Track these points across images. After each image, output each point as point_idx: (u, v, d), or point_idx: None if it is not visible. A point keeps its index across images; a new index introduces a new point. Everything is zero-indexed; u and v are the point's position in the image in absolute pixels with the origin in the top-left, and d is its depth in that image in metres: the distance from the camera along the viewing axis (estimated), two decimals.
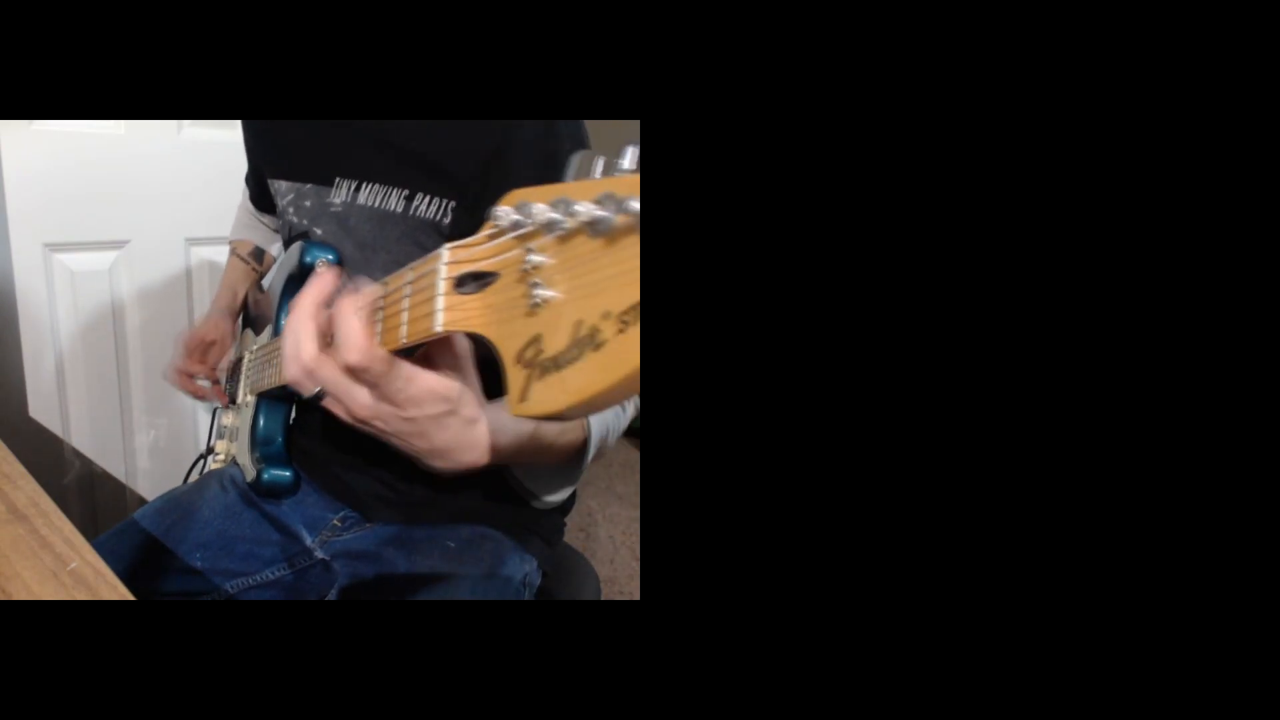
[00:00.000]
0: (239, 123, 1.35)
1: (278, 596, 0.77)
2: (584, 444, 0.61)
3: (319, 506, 0.79)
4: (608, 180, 0.28)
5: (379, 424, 0.44)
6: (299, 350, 0.43)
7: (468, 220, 0.66)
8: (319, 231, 0.75)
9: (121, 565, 0.72)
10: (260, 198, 0.93)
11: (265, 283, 0.98)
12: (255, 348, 0.83)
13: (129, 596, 0.45)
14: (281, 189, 0.79)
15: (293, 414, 0.79)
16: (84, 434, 1.29)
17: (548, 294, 0.30)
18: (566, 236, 0.29)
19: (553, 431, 0.57)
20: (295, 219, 0.78)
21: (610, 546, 1.88)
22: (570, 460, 0.62)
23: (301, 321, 0.44)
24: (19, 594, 0.44)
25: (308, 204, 0.76)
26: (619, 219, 0.26)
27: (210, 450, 0.96)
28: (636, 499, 2.08)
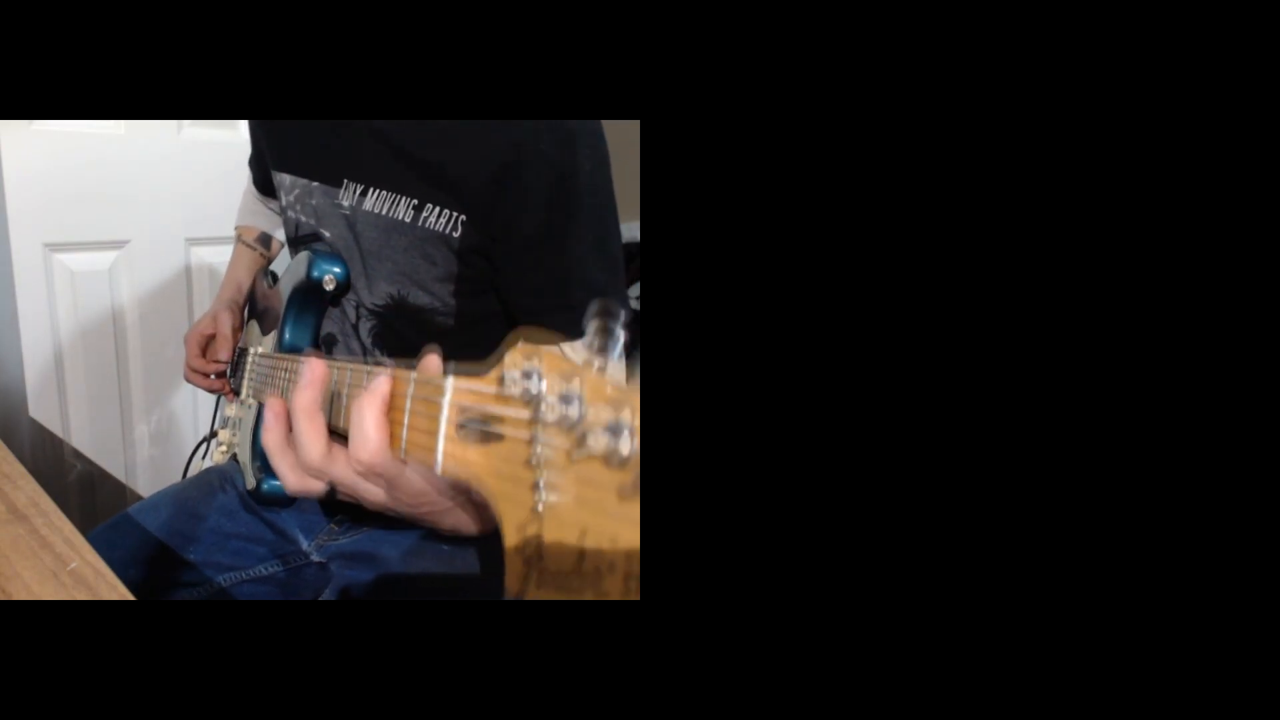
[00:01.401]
0: (239, 122, 1.36)
1: (271, 591, 0.78)
2: None
3: (316, 512, 0.79)
4: (623, 390, 0.26)
5: (391, 512, 0.44)
6: (308, 456, 0.42)
7: (478, 235, 0.65)
8: (327, 234, 0.74)
9: (114, 557, 0.72)
10: (264, 182, 0.91)
11: (276, 269, 0.97)
12: (260, 350, 0.82)
13: (129, 596, 0.45)
14: (285, 183, 0.78)
15: None
16: (84, 434, 1.29)
17: (555, 499, 0.28)
18: (581, 442, 0.27)
19: None
20: (302, 216, 0.77)
21: None
22: None
23: (303, 426, 0.42)
24: (19, 594, 0.44)
25: (314, 202, 0.75)
26: (629, 477, 0.25)
27: (213, 435, 0.95)
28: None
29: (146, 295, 1.32)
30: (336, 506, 0.79)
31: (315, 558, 0.78)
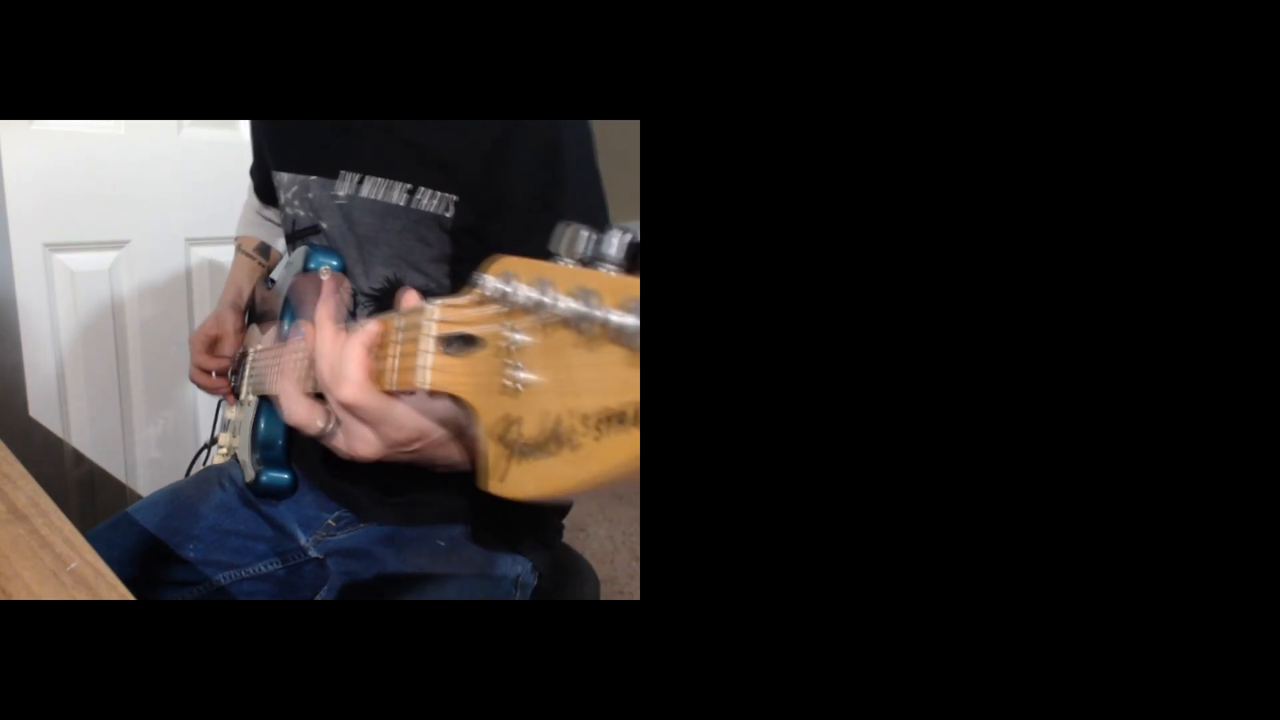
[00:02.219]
0: (239, 123, 1.36)
1: (270, 589, 0.78)
2: None
3: (314, 506, 0.80)
4: (592, 275, 0.28)
5: (389, 459, 0.46)
6: (322, 370, 0.44)
7: (471, 215, 0.67)
8: (324, 225, 0.75)
9: (113, 556, 0.72)
10: (265, 190, 0.94)
11: (274, 275, 0.98)
12: (260, 347, 0.83)
13: (129, 596, 0.45)
14: (284, 181, 0.80)
15: None
16: (84, 434, 1.29)
17: (528, 377, 0.30)
18: (547, 323, 0.29)
19: None
20: (300, 211, 0.78)
21: (610, 546, 1.88)
22: None
23: (324, 335, 0.44)
24: (19, 594, 0.44)
25: (311, 195, 0.76)
26: (597, 328, 0.26)
27: (214, 441, 0.96)
28: (636, 499, 2.08)
29: (146, 295, 1.32)
30: (336, 500, 0.79)
31: (313, 553, 0.78)
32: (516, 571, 0.75)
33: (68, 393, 1.26)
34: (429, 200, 0.68)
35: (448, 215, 0.67)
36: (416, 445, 0.45)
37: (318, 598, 0.73)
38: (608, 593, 1.68)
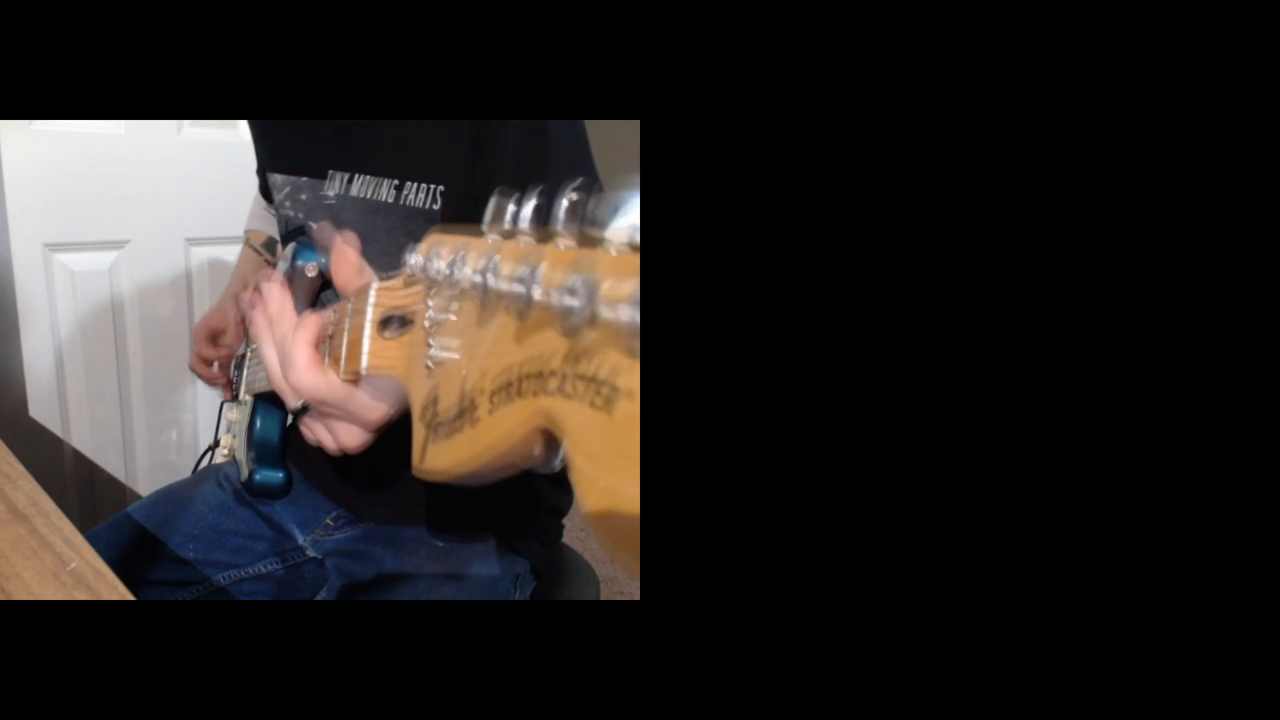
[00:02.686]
0: (239, 123, 1.36)
1: (270, 589, 0.78)
2: None
3: (312, 506, 0.80)
4: (504, 244, 0.26)
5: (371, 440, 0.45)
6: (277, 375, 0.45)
7: (461, 204, 0.67)
8: (313, 225, 0.75)
9: (113, 555, 0.72)
10: (266, 190, 0.94)
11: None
12: (255, 346, 0.83)
13: (129, 596, 0.45)
14: (278, 182, 0.80)
15: (290, 416, 0.79)
16: (84, 434, 1.29)
17: (441, 355, 0.29)
18: (462, 297, 0.28)
19: None
20: (291, 213, 0.78)
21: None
22: None
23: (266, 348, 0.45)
24: (19, 594, 0.44)
25: (303, 197, 0.76)
26: (491, 297, 0.25)
27: (216, 444, 0.96)
28: None
29: (146, 295, 1.32)
30: (334, 499, 0.79)
31: (311, 553, 0.78)
32: (516, 571, 0.75)
33: (68, 393, 1.26)
34: (416, 194, 0.67)
35: (435, 207, 0.67)
36: (394, 415, 0.44)
37: (317, 598, 0.73)
38: (608, 593, 1.68)
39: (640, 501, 0.20)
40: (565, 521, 0.85)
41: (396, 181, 0.68)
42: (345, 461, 0.76)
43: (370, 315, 0.36)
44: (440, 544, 0.73)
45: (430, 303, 0.30)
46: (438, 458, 0.29)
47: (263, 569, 0.78)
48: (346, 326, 0.40)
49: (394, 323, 0.35)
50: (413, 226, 0.68)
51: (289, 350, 0.42)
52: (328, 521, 0.79)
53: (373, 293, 0.37)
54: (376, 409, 0.43)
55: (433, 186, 0.67)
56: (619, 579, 1.75)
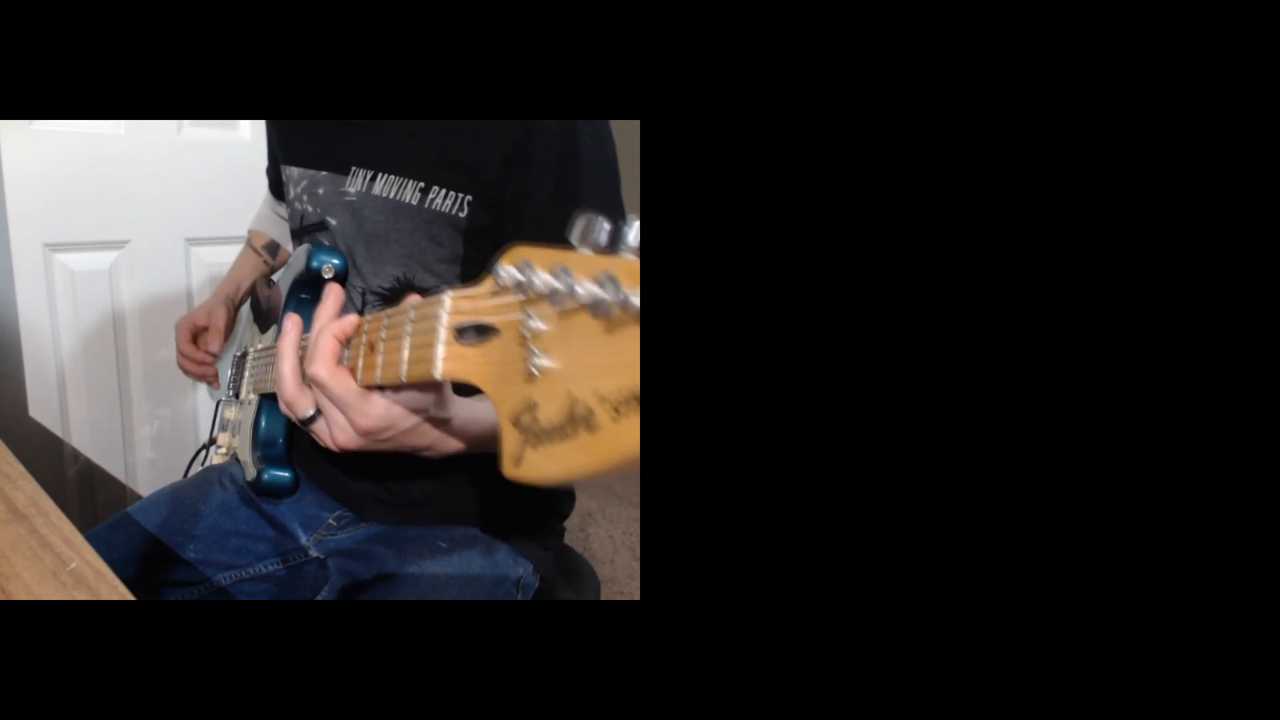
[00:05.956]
0: (239, 123, 1.36)
1: (270, 590, 0.78)
2: None
3: (315, 506, 0.80)
4: (610, 260, 0.28)
5: (368, 447, 0.49)
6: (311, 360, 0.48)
7: (485, 215, 0.67)
8: (332, 222, 0.75)
9: (114, 556, 0.72)
10: (278, 185, 0.93)
11: (276, 278, 0.98)
12: (260, 345, 0.83)
13: (129, 596, 0.45)
14: (294, 175, 0.79)
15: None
16: (84, 434, 1.29)
17: (546, 364, 0.30)
18: (567, 310, 0.29)
19: None
20: (308, 207, 0.78)
21: (610, 546, 1.88)
22: None
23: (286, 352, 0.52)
24: (19, 594, 0.44)
25: (321, 191, 0.75)
26: (616, 310, 0.26)
27: (212, 442, 0.96)
28: (636, 499, 2.08)
29: (146, 295, 1.32)
30: (337, 499, 0.79)
31: (314, 553, 0.78)
32: (518, 573, 0.75)
33: (68, 393, 1.26)
34: (443, 200, 0.67)
35: (462, 215, 0.67)
36: (388, 434, 0.48)
37: (318, 598, 0.73)
38: (608, 593, 1.68)
39: None
40: (565, 523, 0.85)
41: (422, 184, 0.68)
42: (349, 461, 0.76)
43: (445, 321, 0.38)
44: (443, 545, 0.73)
45: (528, 312, 0.31)
46: (541, 464, 0.30)
47: (263, 569, 0.78)
48: (407, 333, 0.41)
49: (470, 331, 0.37)
50: (436, 230, 0.68)
51: (316, 342, 0.47)
52: (330, 521, 0.79)
53: (448, 300, 0.38)
54: (369, 417, 0.47)
55: (461, 195, 0.67)
56: (619, 579, 1.75)
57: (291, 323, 0.53)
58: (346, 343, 0.49)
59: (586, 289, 0.28)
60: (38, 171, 1.16)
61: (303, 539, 0.78)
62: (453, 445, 0.53)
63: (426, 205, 0.68)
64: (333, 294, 0.51)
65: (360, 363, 0.46)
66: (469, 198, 0.66)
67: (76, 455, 1.29)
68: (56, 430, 1.25)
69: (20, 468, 0.60)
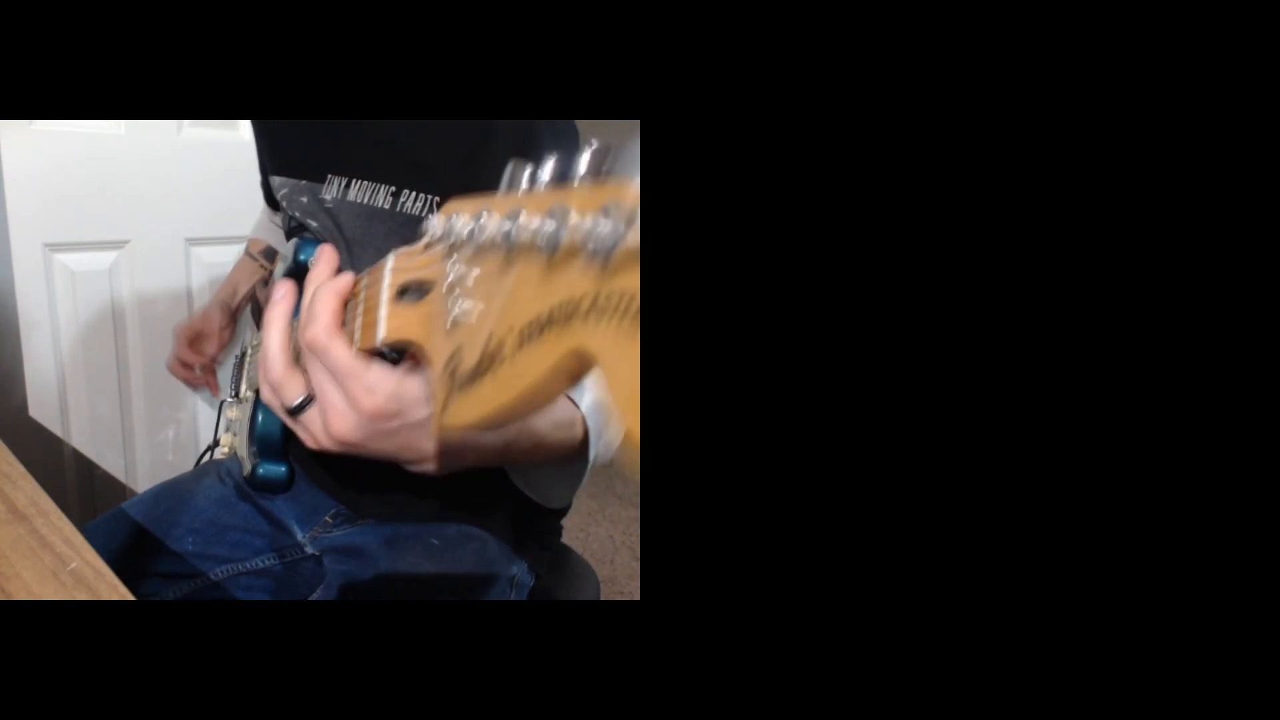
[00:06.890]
0: (239, 123, 1.36)
1: (267, 585, 0.78)
2: (583, 441, 0.60)
3: (312, 503, 0.80)
4: (523, 197, 0.28)
5: (368, 444, 0.42)
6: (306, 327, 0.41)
7: None
8: (315, 225, 0.76)
9: (111, 548, 0.72)
10: (269, 195, 0.95)
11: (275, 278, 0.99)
12: (257, 344, 0.83)
13: (129, 596, 0.45)
14: (277, 184, 0.80)
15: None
16: (84, 434, 1.29)
17: (465, 306, 0.30)
18: (482, 250, 0.29)
19: (543, 427, 0.56)
20: (293, 214, 0.79)
21: (610, 546, 1.88)
22: (570, 459, 0.61)
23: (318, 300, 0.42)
24: (19, 594, 0.44)
25: (303, 200, 0.77)
26: (525, 241, 0.26)
27: (216, 444, 0.97)
28: (636, 498, 2.08)
29: (146, 295, 1.32)
30: (333, 496, 0.79)
31: (310, 549, 0.78)
32: (512, 572, 0.75)
33: (68, 393, 1.26)
34: (413, 203, 0.68)
35: (431, 217, 0.67)
36: (394, 424, 0.41)
37: (313, 597, 0.73)
38: (608, 593, 1.68)
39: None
40: (564, 522, 0.85)
41: (393, 188, 0.69)
42: (345, 459, 0.76)
43: (388, 281, 0.37)
44: (438, 543, 0.74)
45: (450, 264, 0.31)
46: (461, 411, 0.29)
47: (259, 564, 0.78)
48: (362, 298, 0.40)
49: (412, 290, 0.36)
50: (408, 234, 0.68)
51: (314, 303, 0.40)
52: (327, 519, 0.79)
53: (391, 259, 0.37)
54: (376, 394, 0.39)
55: (430, 197, 0.67)
56: (619, 579, 1.75)
57: (285, 288, 0.44)
58: (345, 305, 0.41)
59: (490, 228, 0.28)
60: (38, 171, 1.15)
61: (299, 535, 0.79)
62: (427, 465, 0.46)
63: (398, 209, 0.69)
64: (325, 254, 0.43)
65: (357, 334, 0.40)
66: (436, 198, 0.67)
67: (76, 455, 1.29)
68: (56, 430, 1.25)
69: (20, 468, 0.60)
